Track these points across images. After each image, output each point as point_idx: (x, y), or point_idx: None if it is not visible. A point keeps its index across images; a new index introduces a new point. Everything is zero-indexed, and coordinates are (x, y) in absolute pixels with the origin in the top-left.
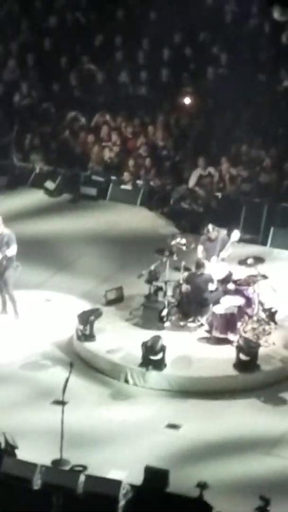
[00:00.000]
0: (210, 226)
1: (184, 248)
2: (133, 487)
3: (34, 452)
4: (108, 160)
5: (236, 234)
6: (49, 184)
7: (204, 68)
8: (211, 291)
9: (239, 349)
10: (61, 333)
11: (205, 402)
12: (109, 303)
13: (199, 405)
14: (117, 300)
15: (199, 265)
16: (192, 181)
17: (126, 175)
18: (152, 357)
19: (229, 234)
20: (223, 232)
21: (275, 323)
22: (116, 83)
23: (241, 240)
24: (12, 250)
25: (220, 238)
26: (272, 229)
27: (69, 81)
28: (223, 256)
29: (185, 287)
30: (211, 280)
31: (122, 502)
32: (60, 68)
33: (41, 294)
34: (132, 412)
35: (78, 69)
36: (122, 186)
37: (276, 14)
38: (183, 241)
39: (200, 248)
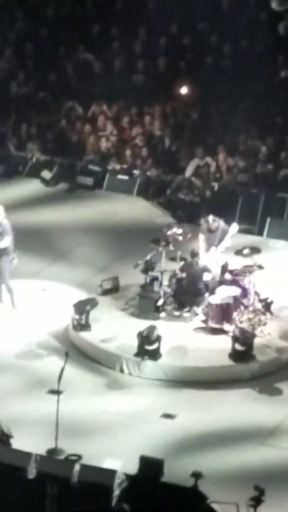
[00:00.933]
0: (210, 217)
1: (180, 238)
2: (127, 476)
3: (29, 441)
4: (105, 150)
5: (234, 227)
6: (46, 174)
7: (201, 58)
8: (207, 281)
9: (235, 339)
10: (57, 323)
11: (200, 392)
12: (105, 292)
13: (194, 395)
14: (113, 290)
15: (194, 255)
16: (188, 171)
17: (116, 165)
18: (147, 347)
19: (229, 224)
20: (223, 223)
21: (271, 313)
22: (113, 72)
23: (237, 231)
24: (5, 242)
25: (220, 229)
26: (268, 219)
27: (66, 70)
28: (222, 247)
29: (181, 277)
30: (207, 270)
31: (116, 492)
32: (57, 57)
33: (37, 283)
34: (127, 402)
35: (75, 58)
36: (119, 176)
37: (274, 4)
38: (179, 231)
39: (201, 237)
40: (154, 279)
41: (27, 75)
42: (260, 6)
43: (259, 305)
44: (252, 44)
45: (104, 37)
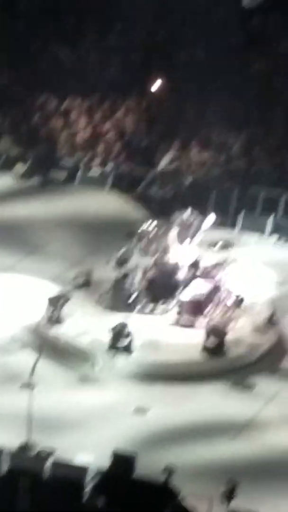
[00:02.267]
0: (188, 211)
1: (153, 233)
2: (99, 472)
3: (1, 436)
4: (78, 144)
5: (211, 217)
6: (19, 168)
7: (175, 52)
8: (179, 277)
9: (207, 334)
10: (30, 317)
11: (172, 386)
12: (78, 287)
13: (166, 390)
14: (86, 284)
15: (167, 251)
16: (161, 166)
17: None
18: (120, 342)
19: (203, 219)
20: (197, 217)
21: (243, 309)
22: (86, 66)
23: (210, 225)
24: None
25: (195, 223)
26: (241, 213)
27: (40, 64)
28: (195, 242)
29: (153, 272)
30: (180, 266)
31: (88, 487)
32: (31, 51)
33: (10, 277)
34: (100, 396)
35: (49, 52)
36: (92, 170)
37: (245, 2)
38: (152, 225)
39: (172, 232)
40: (127, 274)
41: (1, 69)
42: (233, 0)
43: (230, 301)
44: (225, 38)
45: (78, 31)
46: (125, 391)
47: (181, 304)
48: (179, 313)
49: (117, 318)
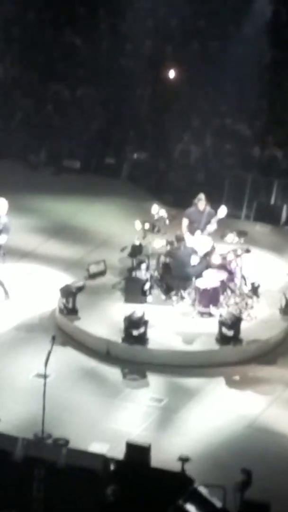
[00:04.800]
0: (201, 195)
1: (167, 221)
2: (114, 460)
3: (16, 425)
4: (93, 133)
5: (223, 210)
6: (33, 158)
7: (188, 41)
8: (194, 265)
9: (222, 323)
10: (44, 307)
11: (187, 375)
12: (92, 276)
13: (181, 379)
14: (100, 273)
15: (180, 239)
16: (176, 155)
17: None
18: (134, 331)
19: (215, 209)
20: (209, 207)
21: (258, 297)
22: (99, 55)
23: (225, 214)
24: (2, 239)
25: (207, 211)
26: (255, 203)
27: (53, 53)
28: (209, 231)
29: (168, 261)
30: (194, 254)
31: (103, 476)
32: (43, 40)
33: (23, 267)
34: (114, 385)
35: (62, 41)
36: (107, 159)
37: None
38: (166, 214)
39: (185, 221)
40: (141, 262)
41: (13, 58)
42: None
43: (246, 289)
44: (239, 27)
45: (91, 20)
46: (140, 380)
47: (196, 293)
48: (194, 301)
49: (131, 307)
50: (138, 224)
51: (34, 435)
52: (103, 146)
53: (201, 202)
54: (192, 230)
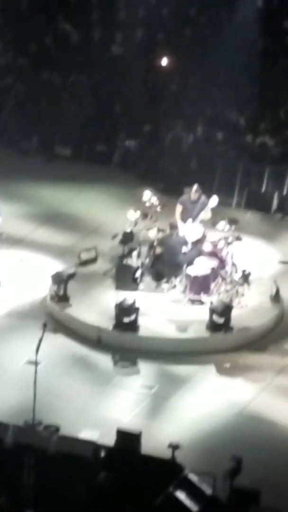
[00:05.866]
0: (195, 186)
1: (158, 209)
2: (105, 448)
3: (6, 412)
4: (84, 120)
5: (214, 199)
6: (25, 145)
7: (180, 29)
8: (185, 253)
9: (213, 310)
10: (35, 294)
11: (178, 363)
12: (83, 263)
13: (172, 366)
14: (91, 260)
15: (173, 227)
16: (167, 142)
17: None
18: (125, 318)
19: (208, 196)
20: (203, 196)
21: (249, 284)
22: (91, 42)
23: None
24: None
25: (201, 201)
26: (246, 191)
27: (45, 40)
28: (200, 219)
29: (159, 249)
30: (185, 242)
31: (94, 462)
32: (36, 27)
33: (15, 253)
34: (104, 372)
35: (54, 28)
36: (98, 146)
37: None
38: (158, 202)
39: (179, 207)
40: (132, 250)
41: (5, 45)
42: None
43: (236, 277)
44: (231, 15)
45: (83, 7)
46: (130, 367)
47: (187, 280)
48: (185, 289)
49: (122, 294)
50: (131, 214)
51: (24, 422)
52: (95, 133)
53: (194, 193)
54: (184, 218)
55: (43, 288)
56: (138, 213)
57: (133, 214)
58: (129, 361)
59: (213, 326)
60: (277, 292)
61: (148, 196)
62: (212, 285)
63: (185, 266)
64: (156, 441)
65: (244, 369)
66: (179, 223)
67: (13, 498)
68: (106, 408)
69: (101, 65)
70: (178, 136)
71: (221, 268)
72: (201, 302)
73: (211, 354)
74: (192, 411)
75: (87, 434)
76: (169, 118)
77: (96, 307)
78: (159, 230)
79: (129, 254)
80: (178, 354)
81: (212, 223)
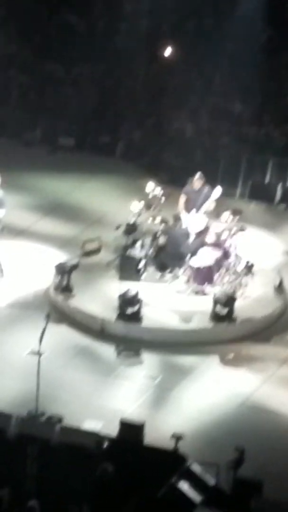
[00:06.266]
0: (197, 174)
1: (162, 200)
2: (108, 438)
3: (10, 403)
4: (88, 111)
5: (218, 190)
6: (29, 135)
7: (184, 19)
8: (189, 244)
9: (216, 301)
10: (38, 284)
11: (181, 353)
12: (87, 254)
13: (175, 357)
14: (95, 251)
15: (177, 218)
16: (171, 133)
17: None
18: (128, 309)
19: (212, 186)
20: (206, 186)
21: (252, 275)
22: (95, 33)
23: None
24: (1, 213)
25: (205, 191)
26: (250, 182)
27: (48, 32)
28: (204, 210)
29: (162, 239)
30: (189, 233)
31: (97, 453)
32: (40, 18)
33: (19, 244)
34: (108, 363)
35: (58, 20)
36: (102, 137)
37: None
38: (162, 193)
39: (182, 197)
40: (136, 240)
41: (9, 36)
42: None
43: (240, 268)
44: (235, 6)
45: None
46: (134, 358)
47: (190, 271)
48: (188, 280)
49: (125, 285)
50: (134, 205)
51: (28, 412)
52: (98, 124)
53: (197, 181)
54: (188, 208)
55: (47, 279)
56: (142, 204)
57: (136, 205)
58: (132, 351)
59: (216, 317)
60: (281, 283)
61: (152, 187)
62: (216, 276)
63: (188, 257)
64: (160, 431)
65: (248, 359)
66: (183, 213)
67: (16, 489)
68: (109, 398)
69: (105, 56)
70: (182, 127)
71: (224, 259)
72: (205, 293)
73: (215, 345)
74: (195, 401)
75: (90, 424)
76: (172, 109)
77: (100, 297)
78: (162, 221)
79: (132, 245)
80: (181, 344)
81: (216, 214)
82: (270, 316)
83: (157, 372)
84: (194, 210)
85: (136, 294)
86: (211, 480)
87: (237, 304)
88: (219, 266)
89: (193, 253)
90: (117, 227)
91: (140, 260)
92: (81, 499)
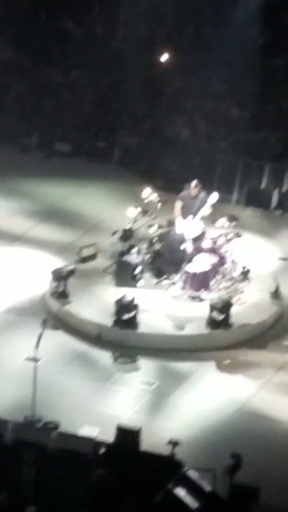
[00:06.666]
0: (194, 182)
1: (158, 206)
2: (104, 444)
3: (6, 408)
4: (85, 116)
5: (214, 196)
6: (25, 141)
7: (181, 25)
8: (185, 250)
9: (212, 307)
10: (35, 290)
11: (177, 359)
12: (83, 260)
13: (172, 363)
14: (91, 257)
15: (171, 223)
16: (168, 139)
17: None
18: (125, 315)
19: (208, 192)
20: (203, 192)
21: (248, 281)
22: (92, 38)
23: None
24: None
25: (201, 197)
26: (246, 187)
27: (46, 37)
28: (200, 216)
29: (158, 245)
30: (185, 239)
31: (93, 459)
32: (37, 24)
33: (16, 250)
34: (104, 369)
35: (55, 25)
36: (99, 143)
37: None
38: (158, 199)
39: (178, 204)
40: (132, 246)
41: (6, 41)
42: None
43: (236, 273)
44: (232, 11)
45: (84, 3)
46: (130, 363)
47: (186, 277)
48: (184, 285)
49: (122, 291)
50: (131, 211)
51: (24, 418)
52: (95, 130)
53: (194, 189)
54: (184, 214)
55: (43, 285)
56: (138, 210)
57: (133, 211)
58: (129, 357)
59: (213, 323)
60: (277, 288)
61: (148, 193)
62: (212, 282)
63: (184, 263)
64: (156, 437)
65: (244, 365)
66: (179, 219)
67: (13, 495)
68: (106, 404)
69: (102, 62)
70: (178, 133)
71: (221, 265)
72: (201, 299)
73: (211, 351)
74: (192, 407)
75: (87, 430)
76: (169, 115)
77: (96, 303)
78: (159, 227)
79: (129, 251)
80: (178, 350)
81: (212, 220)
82: (267, 322)
83: (153, 378)
84: (191, 216)
85: (133, 300)
86: (207, 486)
87: (234, 310)
88: (215, 272)
89: (190, 259)
90: (114, 233)
91: (136, 266)
92: (78, 504)
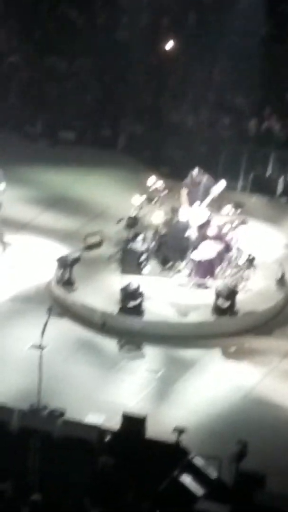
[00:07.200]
0: (195, 170)
1: (163, 193)
2: (110, 432)
3: (12, 396)
4: (89, 105)
5: (222, 183)
6: (29, 129)
7: (185, 13)
8: (190, 237)
9: (218, 294)
10: (40, 278)
11: (183, 347)
12: (89, 247)
13: (177, 350)
14: (97, 244)
15: (175, 211)
16: (172, 127)
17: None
18: (130, 302)
19: (213, 179)
20: (206, 178)
21: (254, 268)
22: (96, 27)
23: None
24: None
25: (204, 183)
26: (251, 175)
27: (49, 26)
28: (206, 202)
29: (164, 233)
30: (190, 226)
31: (99, 447)
32: (40, 13)
33: (21, 238)
34: (110, 357)
35: (58, 14)
36: (103, 131)
37: None
38: (163, 186)
39: (184, 190)
40: (138, 234)
41: (10, 30)
42: None
43: (242, 261)
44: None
45: None
46: (136, 351)
47: (192, 265)
48: (190, 273)
49: (127, 279)
50: (136, 198)
51: (30, 406)
52: (99, 118)
53: (195, 176)
54: (190, 201)
55: (49, 273)
56: (143, 197)
57: (138, 199)
58: (134, 345)
59: (218, 310)
60: (283, 276)
61: (153, 180)
62: (218, 269)
63: (190, 250)
64: (162, 425)
65: (250, 353)
66: (184, 206)
67: (18, 482)
68: (111, 392)
69: (106, 50)
70: (183, 121)
71: (226, 252)
72: (206, 286)
73: (217, 338)
74: (198, 395)
75: (92, 418)
76: (173, 103)
77: (101, 291)
78: (164, 214)
79: (134, 238)
80: (183, 338)
81: (217, 207)
82: (272, 309)
83: (159, 366)
84: (196, 203)
85: (138, 287)
86: (213, 473)
87: (239, 297)
88: (220, 260)
89: (195, 246)
90: (119, 221)
91: (141, 253)
92: (83, 492)
